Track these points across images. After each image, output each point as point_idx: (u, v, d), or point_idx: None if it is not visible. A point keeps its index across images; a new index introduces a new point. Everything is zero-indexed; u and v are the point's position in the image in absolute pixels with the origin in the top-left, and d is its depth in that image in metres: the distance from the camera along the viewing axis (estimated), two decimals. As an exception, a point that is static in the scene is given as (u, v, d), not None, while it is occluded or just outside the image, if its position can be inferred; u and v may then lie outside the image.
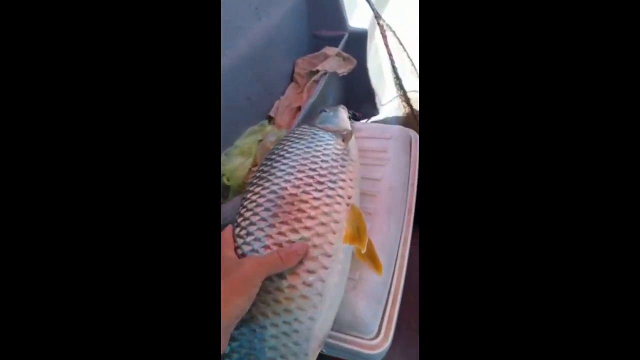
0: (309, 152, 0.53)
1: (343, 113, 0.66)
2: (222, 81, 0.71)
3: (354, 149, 0.57)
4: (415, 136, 0.71)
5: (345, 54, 1.01)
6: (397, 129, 0.72)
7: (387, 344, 0.44)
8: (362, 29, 1.11)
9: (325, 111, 0.66)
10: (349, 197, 0.47)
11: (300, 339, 0.38)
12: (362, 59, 1.12)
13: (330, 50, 1.00)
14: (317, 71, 0.96)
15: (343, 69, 0.98)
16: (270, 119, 0.92)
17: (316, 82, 0.95)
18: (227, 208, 0.54)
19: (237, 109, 0.80)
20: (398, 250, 0.53)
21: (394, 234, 0.55)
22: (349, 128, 0.63)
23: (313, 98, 0.87)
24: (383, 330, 0.45)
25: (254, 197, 0.48)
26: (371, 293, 0.46)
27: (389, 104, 1.34)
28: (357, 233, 0.42)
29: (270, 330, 0.38)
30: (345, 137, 0.57)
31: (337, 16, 1.09)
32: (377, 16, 0.98)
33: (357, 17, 1.18)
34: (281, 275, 0.40)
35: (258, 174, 0.53)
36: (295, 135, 0.58)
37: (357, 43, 1.11)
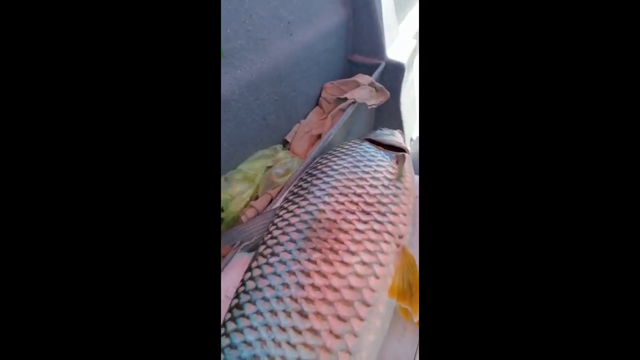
0: (355, 172, 0.45)
1: (400, 135, 0.58)
2: (236, 95, 0.64)
3: (410, 175, 0.49)
4: None
5: (378, 85, 0.91)
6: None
7: None
8: (400, 62, 1.04)
9: (381, 129, 0.58)
10: (400, 237, 0.39)
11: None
12: (396, 92, 1.05)
13: (362, 79, 0.91)
14: (346, 99, 0.89)
15: (374, 101, 0.89)
16: (286, 144, 0.86)
17: (342, 110, 0.88)
18: (252, 224, 0.47)
19: (249, 128, 0.70)
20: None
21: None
22: (405, 146, 0.55)
23: (336, 128, 0.78)
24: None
25: (286, 216, 0.42)
26: None
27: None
28: (408, 289, 0.34)
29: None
30: (399, 158, 0.49)
31: (376, 43, 0.97)
32: None
33: (396, 47, 1.12)
34: (303, 312, 0.32)
35: (295, 190, 0.46)
36: (343, 150, 0.51)
37: (393, 74, 1.03)
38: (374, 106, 0.89)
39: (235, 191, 0.65)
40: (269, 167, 0.75)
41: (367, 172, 0.45)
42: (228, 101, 0.65)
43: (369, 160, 0.47)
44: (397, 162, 0.48)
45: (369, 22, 1.04)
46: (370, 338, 0.32)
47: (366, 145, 0.51)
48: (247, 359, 0.31)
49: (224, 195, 0.62)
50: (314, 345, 0.31)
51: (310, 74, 0.91)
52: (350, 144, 0.53)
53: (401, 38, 1.18)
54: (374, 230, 0.38)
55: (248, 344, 0.32)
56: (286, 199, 0.45)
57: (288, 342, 0.31)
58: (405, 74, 1.09)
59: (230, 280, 0.41)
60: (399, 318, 0.35)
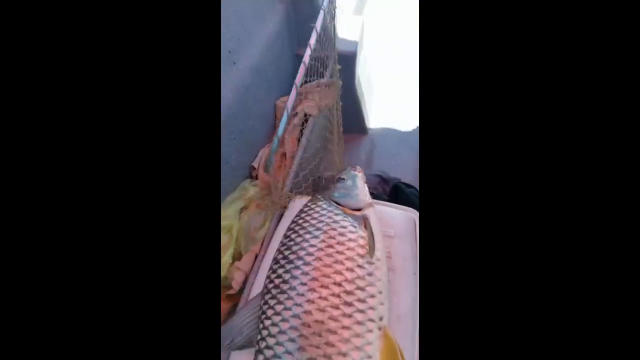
0: (331, 254, 0.47)
1: (360, 180, 0.59)
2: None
3: (377, 231, 0.51)
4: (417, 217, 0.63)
5: (324, 81, 0.87)
6: (400, 217, 0.63)
7: None
8: (350, 51, 0.98)
9: (342, 180, 0.58)
10: (381, 319, 0.43)
11: None
12: (349, 82, 1.01)
13: (309, 86, 0.87)
14: (296, 114, 0.85)
15: (326, 101, 0.86)
16: (253, 170, 0.84)
17: (298, 126, 0.85)
18: (239, 320, 0.49)
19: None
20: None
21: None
22: (369, 200, 0.57)
23: (301, 150, 0.76)
24: None
25: (275, 319, 0.44)
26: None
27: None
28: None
29: None
30: (365, 220, 0.51)
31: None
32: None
33: (345, 29, 1.04)
34: None
35: (275, 279, 0.48)
36: (313, 220, 0.52)
37: (345, 64, 0.99)
38: (327, 110, 0.86)
39: (214, 250, 0.66)
40: (243, 208, 0.75)
41: (342, 252, 0.47)
42: None
43: (340, 234, 0.49)
44: (365, 227, 0.50)
45: (310, 9, 0.95)
46: None
47: (333, 212, 0.53)
48: None
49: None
50: None
51: (262, 93, 0.85)
52: (319, 209, 0.54)
53: (345, 17, 1.10)
54: (359, 323, 0.42)
55: None
56: (268, 290, 0.47)
57: None
58: (357, 58, 1.04)
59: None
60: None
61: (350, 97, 1.10)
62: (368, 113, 1.29)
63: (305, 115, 0.82)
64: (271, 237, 0.66)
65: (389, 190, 1.03)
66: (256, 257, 0.66)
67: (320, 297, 0.44)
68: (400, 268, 0.57)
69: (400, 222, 0.62)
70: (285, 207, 0.66)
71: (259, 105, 0.83)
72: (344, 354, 0.40)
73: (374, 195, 0.97)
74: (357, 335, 0.41)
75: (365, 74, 1.18)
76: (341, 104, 0.83)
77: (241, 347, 0.47)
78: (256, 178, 0.83)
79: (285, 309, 0.44)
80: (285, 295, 0.45)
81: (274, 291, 0.47)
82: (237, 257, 0.67)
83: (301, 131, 0.85)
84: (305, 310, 0.43)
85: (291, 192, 0.75)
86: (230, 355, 0.48)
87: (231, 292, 0.64)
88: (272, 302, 0.46)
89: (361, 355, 0.40)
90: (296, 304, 0.44)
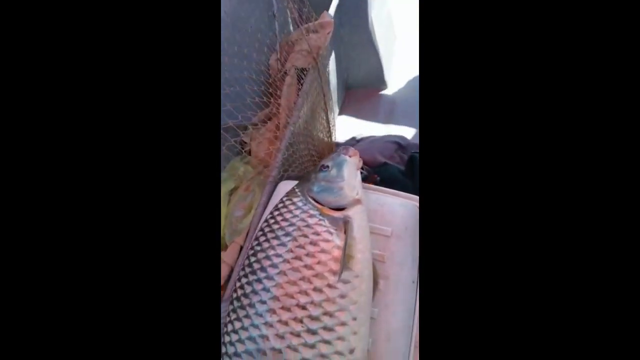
0: (297, 268, 0.39)
1: (349, 168, 0.48)
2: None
3: (363, 241, 0.42)
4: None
5: (314, 24, 0.69)
6: (401, 211, 0.51)
7: None
8: None
9: (326, 168, 0.48)
10: (351, 352, 0.36)
11: None
12: (361, 23, 0.81)
13: (296, 34, 0.71)
14: (286, 73, 0.70)
15: (318, 44, 0.69)
16: (244, 145, 0.74)
17: (292, 86, 0.70)
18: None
19: None
20: None
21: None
22: (357, 195, 0.46)
23: (294, 121, 0.64)
24: None
25: (233, 337, 0.39)
26: None
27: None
28: None
29: None
30: (346, 225, 0.41)
31: None
32: None
33: None
34: None
35: (238, 290, 0.42)
36: (284, 222, 0.44)
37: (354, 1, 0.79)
38: (322, 57, 0.72)
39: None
40: (233, 189, 0.70)
41: (311, 267, 0.39)
42: None
43: (311, 243, 0.41)
44: (345, 232, 0.41)
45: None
46: None
47: (308, 212, 0.43)
48: None
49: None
50: None
51: (244, 52, 0.73)
52: (292, 208, 0.45)
53: None
54: (322, 356, 0.35)
55: None
56: (231, 302, 0.42)
57: None
58: None
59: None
60: None
61: (362, 44, 0.92)
62: (388, 63, 1.08)
63: (297, 70, 0.70)
64: (256, 226, 0.60)
65: (406, 161, 0.89)
66: (241, 248, 0.61)
67: (279, 321, 0.37)
68: (395, 275, 0.47)
69: (399, 218, 0.51)
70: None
71: (245, 64, 0.71)
72: (301, 392, 0.34)
73: (384, 169, 0.85)
74: (319, 371, 0.35)
75: (383, 13, 0.97)
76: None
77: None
78: (249, 153, 0.75)
79: (243, 328, 0.39)
80: (244, 313, 0.40)
81: (235, 303, 0.41)
82: (223, 247, 0.62)
83: (298, 91, 0.73)
84: (263, 334, 0.37)
85: (285, 171, 0.66)
86: None
87: (217, 284, 0.61)
88: (232, 315, 0.41)
89: (322, 396, 0.34)
90: (253, 325, 0.38)
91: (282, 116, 0.75)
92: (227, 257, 0.60)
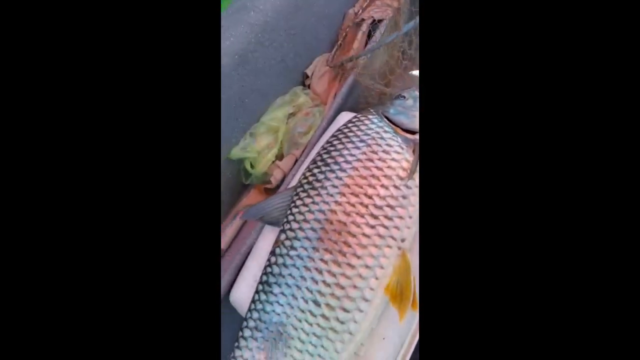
0: (369, 167, 0.46)
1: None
2: (252, 45, 0.58)
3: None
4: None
5: None
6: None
7: None
8: None
9: (403, 97, 0.54)
10: (403, 240, 0.43)
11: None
12: None
13: None
14: (362, 20, 0.73)
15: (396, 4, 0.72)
16: (306, 78, 0.79)
17: (366, 34, 0.74)
18: (271, 202, 0.53)
19: (267, 76, 0.66)
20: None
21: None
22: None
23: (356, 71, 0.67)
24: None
25: (303, 209, 0.46)
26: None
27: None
28: (399, 293, 0.40)
29: (296, 343, 0.42)
30: (416, 147, 0.48)
31: None
32: None
33: None
34: (317, 302, 0.42)
35: (309, 176, 0.49)
36: (359, 134, 0.50)
37: None
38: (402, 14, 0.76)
39: (261, 146, 0.68)
40: (291, 114, 0.75)
41: (380, 169, 0.46)
42: (245, 54, 0.62)
43: (384, 152, 0.47)
44: (413, 152, 0.48)
45: None
46: (366, 324, 0.41)
47: (383, 128, 0.50)
48: (276, 323, 0.43)
49: (251, 154, 0.66)
50: (325, 326, 0.41)
51: None
52: (367, 122, 0.51)
53: None
54: (379, 236, 0.43)
55: (277, 313, 0.43)
56: (301, 185, 0.49)
57: (306, 321, 0.42)
58: None
59: (263, 247, 0.53)
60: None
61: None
62: None
63: (374, 21, 0.74)
64: (314, 145, 0.66)
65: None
66: (296, 160, 0.68)
67: (348, 202, 0.44)
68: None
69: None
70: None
71: (324, 2, 0.75)
72: (358, 257, 0.42)
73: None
74: (375, 246, 0.42)
75: None
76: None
77: (269, 223, 0.52)
78: (309, 87, 0.80)
79: (313, 202, 0.46)
80: (316, 192, 0.47)
81: (306, 186, 0.48)
82: (279, 157, 0.69)
83: (367, 41, 0.77)
84: (331, 209, 0.45)
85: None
86: (265, 227, 0.54)
87: (269, 186, 0.68)
88: (302, 194, 0.48)
89: (374, 263, 0.42)
90: (324, 201, 0.45)
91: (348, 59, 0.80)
92: (283, 164, 0.67)
